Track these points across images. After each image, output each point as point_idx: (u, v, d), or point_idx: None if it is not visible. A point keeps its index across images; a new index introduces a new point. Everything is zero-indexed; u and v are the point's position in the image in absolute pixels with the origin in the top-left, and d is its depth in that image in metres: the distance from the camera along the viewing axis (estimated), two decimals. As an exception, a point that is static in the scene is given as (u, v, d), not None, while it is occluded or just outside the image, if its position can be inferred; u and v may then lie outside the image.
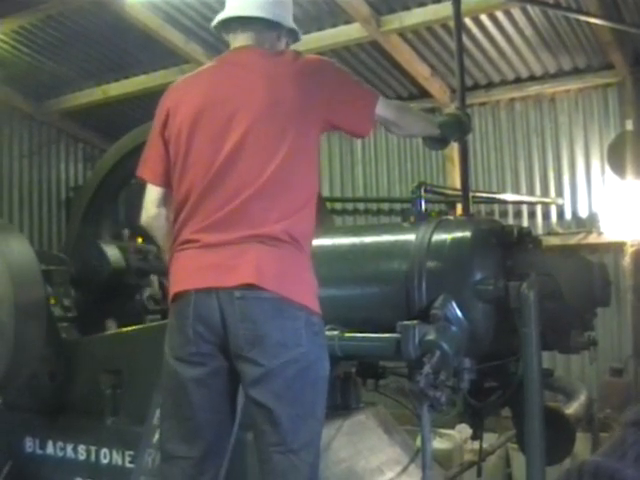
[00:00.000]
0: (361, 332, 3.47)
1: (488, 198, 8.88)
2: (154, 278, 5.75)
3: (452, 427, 6.43)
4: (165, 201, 3.15)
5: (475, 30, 7.80)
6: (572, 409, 4.20)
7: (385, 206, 9.79)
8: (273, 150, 2.85)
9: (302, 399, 2.82)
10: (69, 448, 4.36)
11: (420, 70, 8.66)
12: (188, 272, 2.93)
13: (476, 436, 4.03)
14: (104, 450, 4.22)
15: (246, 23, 3.09)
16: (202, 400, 2.93)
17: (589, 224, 8.38)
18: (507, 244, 3.59)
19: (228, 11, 3.14)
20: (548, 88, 8.70)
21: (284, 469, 2.80)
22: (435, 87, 8.90)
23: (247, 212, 2.83)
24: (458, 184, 6.79)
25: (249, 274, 2.77)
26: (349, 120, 3.07)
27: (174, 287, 2.97)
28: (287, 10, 3.19)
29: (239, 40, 3.12)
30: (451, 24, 5.83)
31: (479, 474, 4.25)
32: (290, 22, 3.19)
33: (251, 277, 2.77)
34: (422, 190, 3.87)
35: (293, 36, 3.26)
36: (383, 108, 3.13)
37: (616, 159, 7.78)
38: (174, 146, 3.04)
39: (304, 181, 2.93)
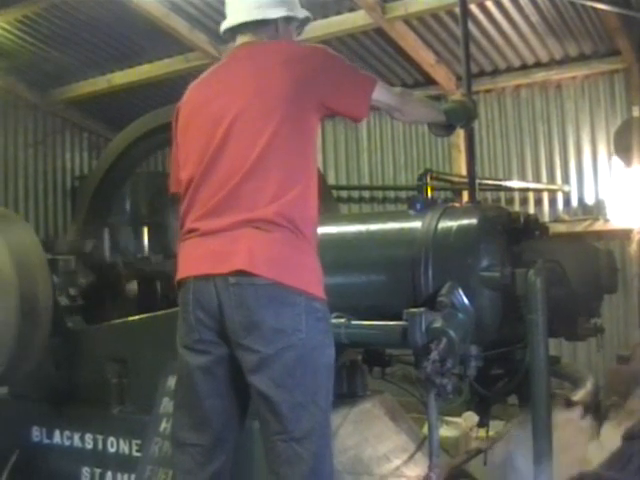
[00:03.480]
0: (367, 320, 3.47)
1: (494, 185, 8.86)
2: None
3: (458, 415, 6.42)
4: None
5: (481, 16, 7.77)
6: (579, 396, 4.19)
7: (391, 194, 9.79)
8: (259, 132, 2.86)
9: (302, 386, 2.80)
10: (76, 437, 4.38)
11: (425, 57, 8.64)
12: (188, 260, 2.97)
13: (483, 424, 4.03)
14: (111, 439, 4.23)
15: (241, 28, 3.14)
16: (208, 388, 2.94)
17: (596, 211, 8.37)
18: (514, 231, 3.58)
19: (226, 22, 3.20)
20: (554, 75, 8.67)
21: (288, 457, 2.79)
22: (440, 74, 8.88)
23: (239, 196, 2.85)
24: (464, 171, 6.77)
25: (242, 261, 2.77)
26: (344, 103, 3.06)
27: (177, 275, 3.01)
28: (283, 1, 3.18)
29: (240, 39, 3.17)
30: (456, 10, 5.80)
31: (486, 462, 4.25)
32: (285, 11, 3.16)
33: (243, 264, 2.77)
34: (428, 177, 3.85)
35: (301, 22, 3.27)
36: (383, 93, 3.12)
37: (623, 146, 7.76)
38: (179, 143, 3.14)
39: (296, 161, 2.92)
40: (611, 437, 3.41)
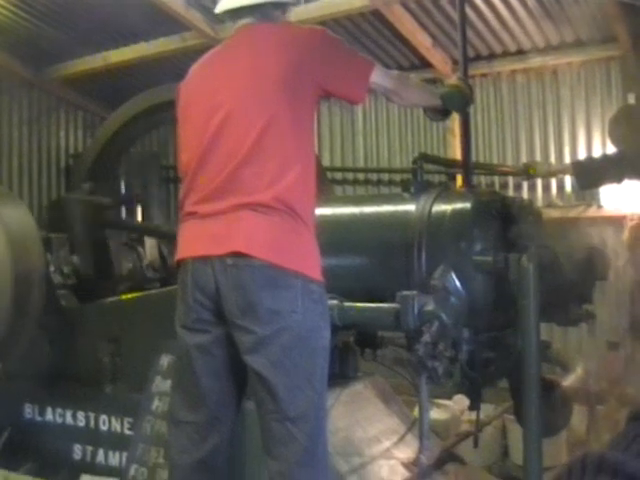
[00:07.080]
0: (361, 302, 3.48)
1: (488, 170, 8.85)
2: (153, 244, 5.77)
3: (449, 398, 6.46)
4: None
5: (478, 0, 7.75)
6: (569, 382, 4.22)
7: (385, 176, 9.78)
8: (256, 117, 2.88)
9: (298, 368, 2.83)
10: (68, 415, 4.39)
11: (422, 40, 8.61)
12: (187, 241, 3.01)
13: (473, 407, 4.05)
14: (103, 417, 4.25)
15: (254, 9, 3.11)
16: (205, 367, 2.97)
17: (589, 197, 8.37)
18: (507, 216, 3.59)
19: (223, 3, 3.17)
20: (550, 60, 8.64)
21: (282, 437, 2.83)
22: (437, 58, 8.85)
23: (237, 180, 2.87)
24: (459, 156, 6.77)
25: (239, 243, 2.80)
26: (342, 86, 3.08)
27: (176, 256, 3.06)
28: None
29: (242, 21, 3.14)
30: (454, -6, 5.79)
31: (475, 444, 4.28)
32: None
33: (241, 246, 2.80)
34: (423, 161, 3.86)
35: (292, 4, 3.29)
36: (381, 76, 3.13)
37: (617, 133, 7.75)
38: (180, 125, 3.17)
39: (293, 145, 2.93)
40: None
